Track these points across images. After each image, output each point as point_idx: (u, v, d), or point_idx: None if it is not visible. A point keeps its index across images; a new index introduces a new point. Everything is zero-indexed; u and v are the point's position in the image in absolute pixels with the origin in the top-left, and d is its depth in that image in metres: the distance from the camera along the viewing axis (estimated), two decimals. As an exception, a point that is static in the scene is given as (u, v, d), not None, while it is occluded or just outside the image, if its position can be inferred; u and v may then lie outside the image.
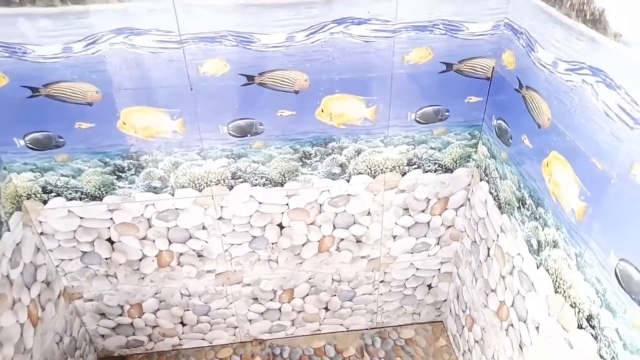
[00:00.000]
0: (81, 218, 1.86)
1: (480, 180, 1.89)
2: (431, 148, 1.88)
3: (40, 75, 1.46)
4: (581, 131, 1.18)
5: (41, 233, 1.88)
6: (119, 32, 1.43)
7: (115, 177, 1.76)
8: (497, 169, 1.73)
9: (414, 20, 1.55)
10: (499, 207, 1.74)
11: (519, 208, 1.58)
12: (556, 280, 1.37)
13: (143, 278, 2.10)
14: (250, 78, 1.60)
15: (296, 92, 1.66)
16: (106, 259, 2.00)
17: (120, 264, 2.03)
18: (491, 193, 1.80)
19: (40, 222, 1.84)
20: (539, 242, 1.46)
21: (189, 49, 1.50)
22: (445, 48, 1.62)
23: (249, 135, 1.74)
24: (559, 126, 1.28)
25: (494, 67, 1.67)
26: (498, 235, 1.76)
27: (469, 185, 2.01)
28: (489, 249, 1.86)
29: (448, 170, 1.96)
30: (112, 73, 1.50)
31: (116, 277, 2.08)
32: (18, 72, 1.45)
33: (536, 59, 1.38)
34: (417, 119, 1.79)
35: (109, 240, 1.94)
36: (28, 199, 1.77)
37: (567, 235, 1.28)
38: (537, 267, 1.48)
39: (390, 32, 1.56)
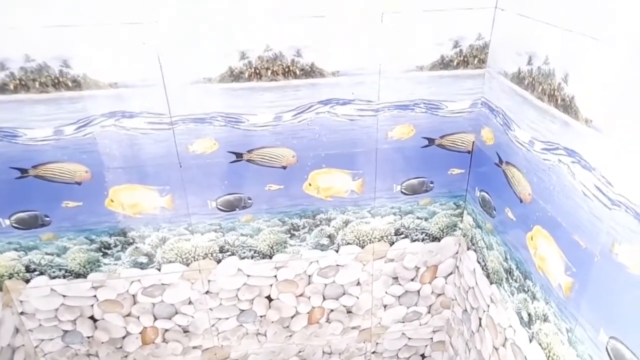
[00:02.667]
0: (64, 296, 1.81)
1: (468, 249, 1.91)
2: (418, 218, 1.91)
3: (30, 157, 1.48)
4: (562, 208, 1.22)
5: (21, 313, 1.81)
6: (111, 116, 1.47)
7: (101, 254, 1.73)
8: (483, 239, 1.76)
9: (396, 100, 1.62)
10: (488, 277, 1.75)
11: (507, 279, 1.59)
12: (549, 356, 1.36)
13: (126, 357, 2.02)
14: (239, 155, 1.64)
15: (284, 167, 1.69)
16: (88, 337, 1.93)
17: (102, 343, 1.96)
18: (479, 262, 1.81)
19: (21, 301, 1.78)
20: (529, 314, 1.45)
21: (179, 129, 1.54)
22: (426, 124, 1.69)
23: (237, 209, 1.75)
24: (539, 202, 1.32)
25: (474, 142, 1.74)
26: (489, 306, 1.76)
27: (457, 253, 2.03)
28: (480, 319, 1.85)
29: (435, 239, 1.97)
30: (102, 153, 1.53)
31: (97, 357, 1.99)
32: (8, 155, 1.46)
33: (513, 137, 1.44)
34: (403, 190, 1.83)
35: (92, 318, 1.88)
36: (10, 278, 1.72)
37: (557, 310, 1.29)
38: (530, 341, 1.47)
39: (373, 111, 1.63)
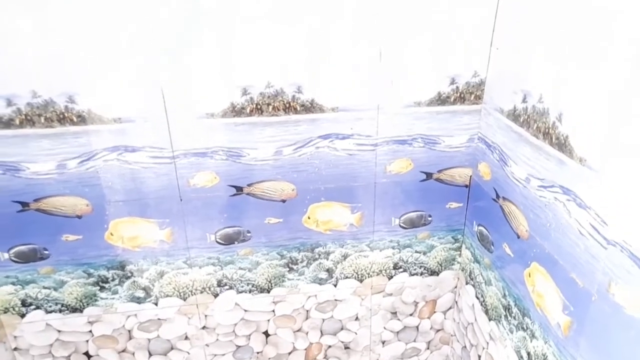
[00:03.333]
0: (59, 331, 1.78)
1: (467, 284, 1.90)
2: (416, 252, 1.91)
3: (32, 190, 1.49)
4: (559, 246, 1.22)
5: (15, 349, 1.78)
6: (114, 150, 1.49)
7: (98, 288, 1.72)
8: (481, 273, 1.76)
9: (394, 135, 1.65)
10: (487, 313, 1.74)
11: (506, 316, 1.58)
12: (551, 395, 1.34)
13: (119, 393, 1.97)
14: (239, 189, 1.65)
15: (283, 201, 1.71)
16: (81, 373, 1.89)
17: (95, 379, 1.92)
18: (478, 298, 1.80)
19: (15, 337, 1.76)
20: (528, 353, 1.44)
21: (180, 163, 1.56)
22: (424, 159, 1.71)
23: (236, 242, 1.75)
24: (536, 238, 1.33)
25: (471, 176, 1.76)
26: (488, 343, 1.74)
27: (456, 287, 2.02)
28: (479, 356, 1.82)
29: (434, 273, 1.97)
30: (104, 187, 1.54)
31: (90, 393, 1.95)
32: (10, 188, 1.47)
33: (510, 173, 1.46)
34: (401, 224, 1.83)
35: (86, 354, 1.85)
36: (5, 312, 1.70)
37: (556, 350, 1.28)
38: (531, 379, 1.45)
39: (372, 146, 1.66)
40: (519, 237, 1.44)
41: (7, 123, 1.38)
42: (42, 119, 1.39)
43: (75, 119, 1.42)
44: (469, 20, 1.50)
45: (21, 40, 1.30)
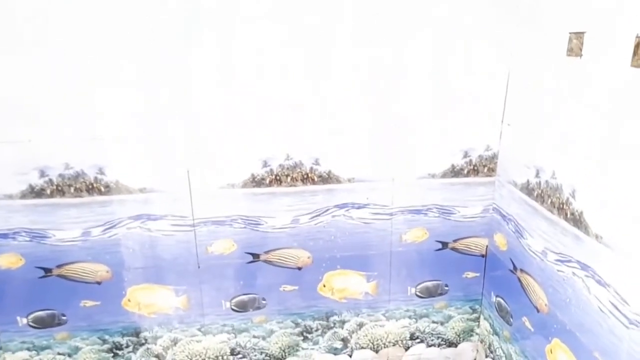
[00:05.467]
0: (69, 399, 1.75)
1: (486, 357, 1.85)
2: (433, 322, 1.88)
3: (56, 257, 1.53)
4: (580, 323, 1.21)
5: (23, 417, 1.75)
6: (137, 218, 1.54)
7: (112, 354, 1.71)
8: (501, 346, 1.71)
9: (409, 205, 1.69)
10: (509, 389, 1.67)
11: (529, 394, 1.52)
12: None
13: None
14: (256, 256, 1.67)
15: (299, 268, 1.72)
16: None
17: None
18: (498, 372, 1.75)
19: (24, 404, 1.73)
20: None
21: (200, 231, 1.60)
22: (440, 228, 1.73)
23: (251, 310, 1.75)
24: (557, 314, 1.31)
25: (487, 246, 1.76)
26: (511, 422, 1.66)
27: (475, 360, 1.96)
28: None
29: (452, 344, 1.92)
30: (124, 254, 1.57)
31: None
32: (35, 254, 1.52)
33: (526, 245, 1.47)
34: (418, 293, 1.82)
35: None
36: (18, 379, 1.69)
37: None
38: None
39: (387, 215, 1.69)
40: (538, 311, 1.42)
41: (39, 193, 1.45)
42: (72, 189, 1.46)
43: (103, 189, 1.48)
44: (481, 97, 1.57)
45: (56, 116, 1.39)
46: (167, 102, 1.44)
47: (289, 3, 1.41)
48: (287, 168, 1.58)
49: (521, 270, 1.52)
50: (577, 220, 1.20)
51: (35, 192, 1.45)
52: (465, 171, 1.67)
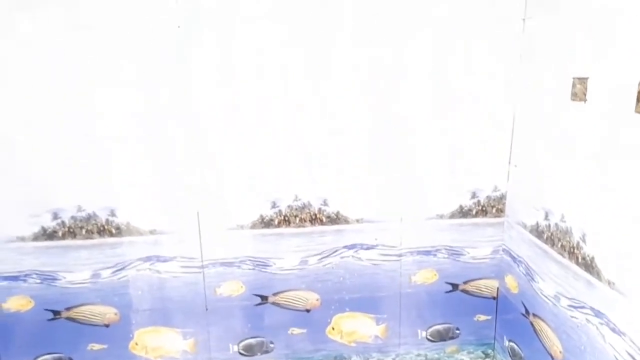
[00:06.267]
0: None
1: (500, 404, 1.79)
2: (445, 366, 1.83)
3: (65, 299, 1.54)
4: (597, 372, 1.17)
5: None
6: (147, 260, 1.55)
7: (118, 400, 1.68)
8: (516, 394, 1.66)
9: (418, 245, 1.68)
10: None
11: None
12: None
13: None
14: (264, 298, 1.66)
15: (308, 310, 1.70)
16: None
17: None
18: (514, 421, 1.68)
19: None
20: None
21: (208, 273, 1.60)
22: (449, 270, 1.71)
23: (258, 354, 1.72)
24: (572, 361, 1.28)
25: (498, 288, 1.74)
26: None
27: (489, 407, 1.89)
28: None
29: (465, 390, 1.86)
30: (133, 296, 1.57)
31: None
32: (45, 297, 1.52)
33: (538, 289, 1.44)
34: (428, 337, 1.78)
35: None
36: None
37: None
38: None
39: (396, 256, 1.68)
40: (552, 358, 1.38)
41: (51, 235, 1.47)
42: (84, 231, 1.48)
43: (114, 231, 1.50)
44: (487, 138, 1.59)
45: (69, 160, 1.42)
46: (176, 150, 1.47)
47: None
48: (296, 209, 1.59)
49: (534, 314, 1.49)
50: (588, 265, 1.19)
51: (47, 234, 1.47)
52: (474, 212, 1.66)
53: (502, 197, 1.66)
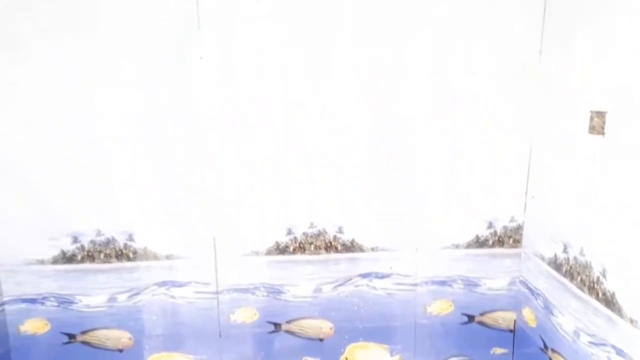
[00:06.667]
0: None
1: None
2: (460, 401, 1.79)
3: (81, 322, 1.55)
4: (619, 413, 1.14)
5: None
6: (162, 285, 1.56)
7: None
8: None
9: (433, 275, 1.66)
10: None
11: None
12: None
13: None
14: (278, 326, 1.65)
15: (321, 339, 1.68)
16: None
17: None
18: None
19: None
20: None
21: (223, 299, 1.60)
22: (465, 301, 1.69)
23: (271, 382, 1.70)
24: (594, 401, 1.24)
25: (515, 321, 1.71)
26: None
27: None
28: None
29: None
30: (147, 320, 1.58)
31: None
32: (61, 320, 1.54)
33: (557, 324, 1.42)
34: (443, 369, 1.75)
35: None
36: None
37: None
38: None
39: (411, 286, 1.66)
40: (573, 396, 1.34)
41: (70, 258, 1.49)
42: (102, 255, 1.50)
43: (131, 256, 1.51)
44: (504, 168, 1.58)
45: (87, 184, 1.45)
46: (193, 179, 1.50)
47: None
48: (311, 236, 1.59)
49: (552, 350, 1.45)
50: (609, 302, 1.17)
51: (66, 258, 1.49)
52: (490, 242, 1.65)
53: (519, 228, 1.64)
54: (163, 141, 1.47)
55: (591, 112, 1.23)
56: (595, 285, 1.22)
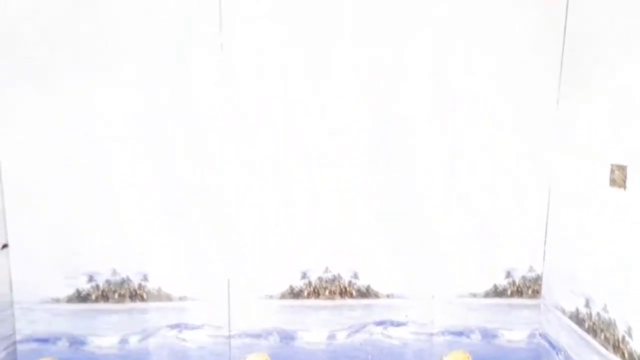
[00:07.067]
0: None
1: None
2: None
3: (91, 364, 1.53)
4: None
5: None
6: (174, 327, 1.54)
7: None
8: None
9: (450, 325, 1.62)
10: None
11: None
12: None
13: None
14: (289, 373, 1.61)
15: (333, 389, 1.63)
16: None
17: None
18: None
19: None
20: None
21: (235, 343, 1.57)
22: (483, 353, 1.64)
23: None
24: None
25: (535, 376, 1.65)
26: None
27: None
28: None
29: None
30: (157, 364, 1.56)
31: None
32: (71, 361, 1.52)
33: (580, 382, 1.36)
34: None
35: None
36: None
37: None
38: None
39: (427, 335, 1.62)
40: None
41: (84, 298, 1.49)
42: (116, 295, 1.49)
43: (145, 296, 1.51)
44: (522, 216, 1.56)
45: (101, 224, 1.47)
46: (206, 216, 1.50)
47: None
48: (326, 281, 1.58)
49: (576, 409, 1.39)
50: (636, 362, 1.12)
51: (81, 297, 1.49)
52: (509, 292, 1.61)
53: (537, 278, 1.61)
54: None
55: (612, 165, 1.22)
56: (621, 345, 1.18)
